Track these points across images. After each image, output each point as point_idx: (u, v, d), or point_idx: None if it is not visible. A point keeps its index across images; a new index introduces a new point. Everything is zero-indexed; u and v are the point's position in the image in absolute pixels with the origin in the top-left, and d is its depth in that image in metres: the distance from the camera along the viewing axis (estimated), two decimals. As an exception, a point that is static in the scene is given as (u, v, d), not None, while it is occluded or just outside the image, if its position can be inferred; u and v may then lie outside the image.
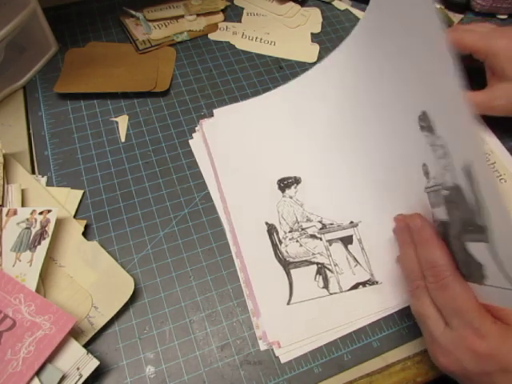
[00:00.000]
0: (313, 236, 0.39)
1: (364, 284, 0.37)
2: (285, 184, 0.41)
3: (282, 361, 0.34)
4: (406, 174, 0.36)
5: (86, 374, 0.30)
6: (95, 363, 0.31)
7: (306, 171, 0.42)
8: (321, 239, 0.39)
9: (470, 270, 0.29)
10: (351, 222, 0.40)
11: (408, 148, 0.35)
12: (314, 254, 0.38)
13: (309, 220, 0.40)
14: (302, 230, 0.39)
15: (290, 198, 0.41)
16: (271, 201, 0.41)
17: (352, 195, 0.41)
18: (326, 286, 0.37)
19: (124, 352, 0.34)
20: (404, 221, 0.34)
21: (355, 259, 0.38)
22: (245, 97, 0.48)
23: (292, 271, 0.37)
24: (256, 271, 0.37)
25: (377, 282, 0.37)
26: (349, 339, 0.35)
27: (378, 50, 0.36)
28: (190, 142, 0.44)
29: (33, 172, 0.42)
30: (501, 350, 0.27)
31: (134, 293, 0.35)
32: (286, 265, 0.37)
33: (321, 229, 0.39)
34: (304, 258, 0.38)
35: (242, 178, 0.42)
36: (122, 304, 0.35)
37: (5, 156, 0.40)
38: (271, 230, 0.39)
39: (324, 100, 0.44)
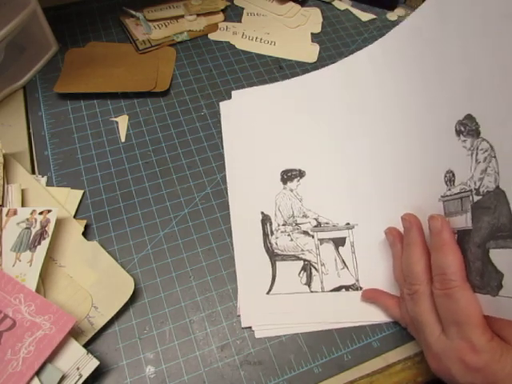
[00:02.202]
0: (305, 233, 0.39)
1: (347, 288, 0.36)
2: (288, 176, 0.41)
3: (257, 336, 0.35)
4: (419, 181, 0.35)
5: (86, 373, 0.30)
6: (95, 363, 0.31)
7: (312, 166, 0.42)
8: (313, 237, 0.39)
9: (485, 280, 0.28)
10: (347, 224, 0.39)
11: (432, 154, 0.34)
12: (303, 250, 0.38)
13: (305, 216, 0.39)
14: (296, 225, 0.39)
15: (291, 190, 0.40)
16: (271, 191, 0.40)
17: (354, 197, 0.40)
18: (308, 284, 0.37)
19: (124, 352, 0.34)
20: (415, 221, 0.33)
21: (343, 262, 0.38)
22: (245, 97, 0.48)
23: (278, 263, 0.37)
24: (243, 257, 0.37)
25: (361, 288, 0.36)
26: (349, 339, 0.35)
27: (425, 50, 0.35)
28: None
29: (33, 172, 0.42)
30: (492, 367, 0.27)
31: (134, 293, 0.35)
32: (273, 256, 0.38)
33: (315, 226, 0.39)
34: (292, 253, 0.38)
35: (247, 164, 0.42)
36: (122, 304, 0.35)
37: (5, 156, 0.40)
38: (265, 220, 0.39)
39: (347, 89, 0.43)
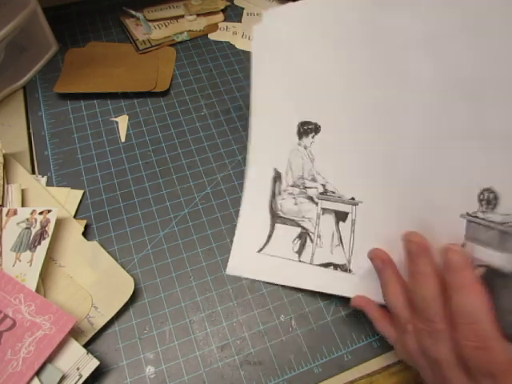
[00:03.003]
0: (310, 198, 0.38)
1: (336, 267, 0.36)
2: (304, 130, 0.38)
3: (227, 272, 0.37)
4: (444, 182, 0.30)
5: (86, 374, 0.30)
6: (95, 363, 0.31)
7: (328, 121, 0.37)
8: (317, 204, 0.37)
9: None
10: (352, 199, 0.36)
11: (472, 158, 0.29)
12: (304, 217, 0.38)
13: (314, 179, 0.38)
14: (304, 188, 0.38)
15: (305, 148, 0.38)
16: (286, 145, 0.38)
17: (364, 172, 0.36)
18: (299, 252, 0.37)
19: (124, 352, 0.34)
20: (425, 245, 0.28)
21: (340, 239, 0.36)
22: (245, 97, 0.48)
23: (277, 225, 0.38)
24: (247, 211, 0.39)
25: (350, 271, 0.35)
26: (349, 339, 0.35)
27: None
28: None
29: (33, 172, 0.42)
30: None
31: (134, 293, 0.35)
32: (275, 216, 0.38)
33: (321, 193, 0.37)
34: (293, 217, 0.38)
35: (271, 107, 0.39)
36: (122, 304, 0.35)
37: (5, 156, 0.40)
38: (276, 177, 0.39)
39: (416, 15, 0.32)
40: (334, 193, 0.37)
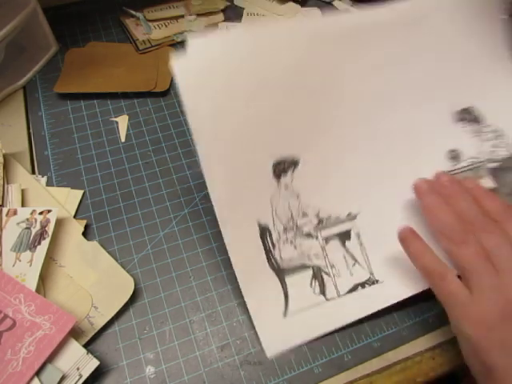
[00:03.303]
0: (308, 235, 0.35)
1: (363, 285, 0.35)
2: (281, 169, 0.35)
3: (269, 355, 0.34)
4: (418, 158, 0.37)
5: (86, 374, 0.30)
6: (95, 363, 0.31)
7: (305, 151, 0.35)
8: (317, 238, 0.36)
9: None
10: (349, 214, 0.36)
11: (430, 137, 0.38)
12: (309, 256, 0.35)
13: (305, 215, 0.35)
14: (297, 228, 0.35)
15: (286, 188, 0.35)
16: (264, 192, 0.34)
17: (352, 182, 0.36)
18: (322, 292, 0.35)
19: (124, 352, 0.34)
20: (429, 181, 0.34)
21: (353, 257, 0.35)
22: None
23: (287, 279, 0.34)
24: (249, 282, 0.34)
25: (377, 281, 0.35)
26: (349, 339, 0.35)
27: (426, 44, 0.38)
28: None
29: (33, 172, 0.42)
30: None
31: (134, 293, 0.35)
32: (281, 272, 0.34)
33: (317, 224, 0.36)
34: (299, 262, 0.35)
35: (231, 157, 0.33)
36: (122, 304, 0.35)
37: (5, 156, 0.40)
38: (264, 232, 0.35)
39: (368, 50, 0.36)
40: (329, 217, 0.36)
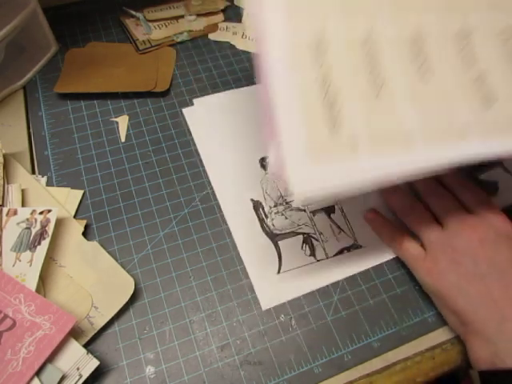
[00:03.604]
0: (297, 208, 0.41)
1: (348, 249, 0.39)
2: (266, 162, 0.43)
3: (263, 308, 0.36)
4: None
5: (86, 374, 0.30)
6: (95, 363, 0.31)
7: None
8: (304, 211, 0.41)
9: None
10: None
11: None
12: (299, 225, 0.40)
13: (292, 193, 0.40)
14: (287, 203, 0.41)
15: (272, 175, 0.42)
16: (255, 178, 0.42)
17: None
18: (312, 254, 0.39)
19: (124, 352, 0.34)
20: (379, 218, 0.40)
21: (338, 227, 0.40)
22: (245, 97, 0.48)
23: (279, 243, 0.39)
24: (247, 246, 0.39)
25: (361, 246, 0.39)
26: (349, 339, 0.35)
27: None
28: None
29: (33, 172, 0.42)
30: None
31: (134, 293, 0.35)
32: (274, 237, 0.39)
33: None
34: (290, 230, 0.40)
35: (226, 160, 0.43)
36: (122, 304, 0.35)
37: (5, 156, 0.40)
38: (257, 205, 0.41)
39: None
40: None
